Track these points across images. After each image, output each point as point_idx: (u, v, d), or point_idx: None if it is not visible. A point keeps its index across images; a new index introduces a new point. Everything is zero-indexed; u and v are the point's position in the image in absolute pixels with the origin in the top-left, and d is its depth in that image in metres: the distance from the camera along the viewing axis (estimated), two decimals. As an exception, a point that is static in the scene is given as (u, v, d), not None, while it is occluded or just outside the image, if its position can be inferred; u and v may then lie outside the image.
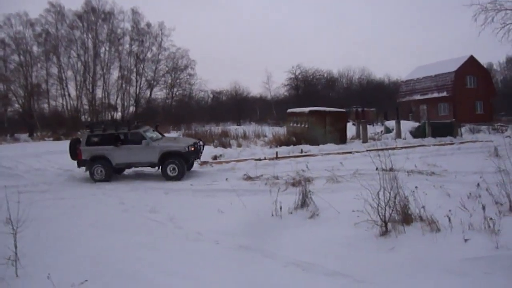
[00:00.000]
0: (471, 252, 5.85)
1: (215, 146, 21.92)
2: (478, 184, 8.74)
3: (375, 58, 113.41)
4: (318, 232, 7.32)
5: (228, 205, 9.28)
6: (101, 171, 13.56)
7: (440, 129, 25.56)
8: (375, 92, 61.18)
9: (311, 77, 67.80)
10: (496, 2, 19.90)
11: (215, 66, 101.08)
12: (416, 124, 27.50)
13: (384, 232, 6.87)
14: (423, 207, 7.12)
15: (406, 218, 7.08)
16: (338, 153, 18.82)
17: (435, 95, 44.60)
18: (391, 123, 28.46)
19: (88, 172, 13.93)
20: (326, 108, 25.07)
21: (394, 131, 26.44)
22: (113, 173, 14.12)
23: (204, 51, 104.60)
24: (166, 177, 13.32)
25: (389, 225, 6.93)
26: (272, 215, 8.12)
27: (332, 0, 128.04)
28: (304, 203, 8.40)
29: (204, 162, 16.67)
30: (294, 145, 20.88)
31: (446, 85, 43.82)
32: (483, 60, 54.04)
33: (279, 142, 21.84)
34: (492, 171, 8.81)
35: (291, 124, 24.70)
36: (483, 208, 6.87)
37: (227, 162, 16.90)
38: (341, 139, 23.24)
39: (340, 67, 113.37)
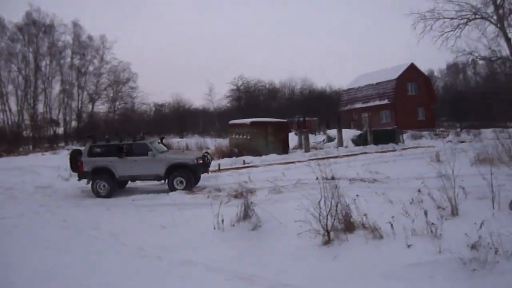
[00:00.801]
0: (414, 257, 6.99)
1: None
2: (419, 190, 10.33)
3: (317, 68, 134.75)
4: (261, 243, 8.41)
5: (171, 220, 10.68)
6: (104, 185, 14.91)
7: (382, 136, 30.21)
8: (317, 101, 70.71)
9: (253, 88, 79.63)
10: (435, 11, 23.86)
11: (157, 79, 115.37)
12: (358, 132, 31.96)
13: (327, 241, 7.97)
14: (365, 214, 8.32)
15: (349, 226, 8.26)
16: (281, 163, 21.40)
17: (377, 102, 52.37)
18: (333, 132, 33.07)
19: (89, 185, 15.25)
20: (267, 118, 29.48)
21: (336, 139, 30.73)
22: (117, 186, 15.46)
23: (146, 64, 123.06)
24: (172, 190, 14.60)
25: (332, 234, 8.05)
26: (215, 228, 9.41)
27: (273, 10, 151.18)
28: (246, 215, 9.64)
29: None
30: (237, 156, 24.21)
31: (387, 92, 51.63)
32: (424, 67, 64.20)
33: (221, 154, 25.28)
34: (433, 176, 10.41)
35: (233, 136, 28.23)
36: (425, 213, 8.18)
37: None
38: (283, 149, 27.02)
39: (282, 78, 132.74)
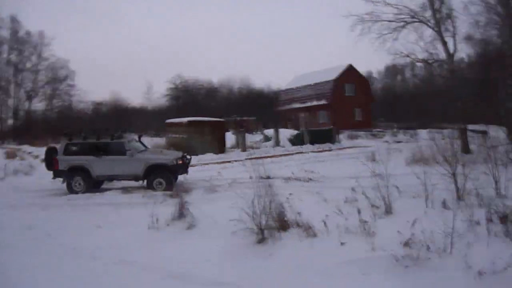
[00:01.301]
0: (348, 255, 7.86)
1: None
2: (353, 189, 11.54)
3: (256, 68, 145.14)
4: (195, 242, 9.21)
5: (106, 219, 11.61)
6: (79, 183, 15.69)
7: (319, 136, 33.13)
8: (255, 101, 75.97)
9: (191, 87, 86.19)
10: (373, 13, 25.81)
11: (97, 77, 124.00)
12: (295, 132, 34.21)
13: (261, 240, 8.85)
14: (299, 213, 9.27)
15: (283, 224, 9.17)
16: (217, 163, 23.25)
17: (315, 103, 56.90)
18: (270, 132, 36.35)
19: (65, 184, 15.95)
20: (204, 118, 31.78)
21: (273, 139, 33.63)
22: (93, 186, 16.24)
23: (85, 62, 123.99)
24: (152, 190, 15.28)
25: (266, 232, 8.92)
26: (149, 228, 10.29)
27: (212, 10, 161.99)
28: (181, 214, 10.71)
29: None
30: None
31: (325, 93, 56.35)
32: (364, 69, 71.12)
33: None
34: (368, 176, 11.47)
35: (171, 135, 30.50)
36: (359, 211, 9.25)
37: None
38: (220, 148, 29.41)
39: (220, 77, 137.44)
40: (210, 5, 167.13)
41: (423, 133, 36.23)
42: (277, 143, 33.11)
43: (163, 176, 15.54)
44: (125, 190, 15.99)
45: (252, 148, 31.07)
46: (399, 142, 33.55)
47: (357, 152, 24.84)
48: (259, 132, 45.95)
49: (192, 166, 21.24)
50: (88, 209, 13.60)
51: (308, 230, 8.86)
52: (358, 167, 13.99)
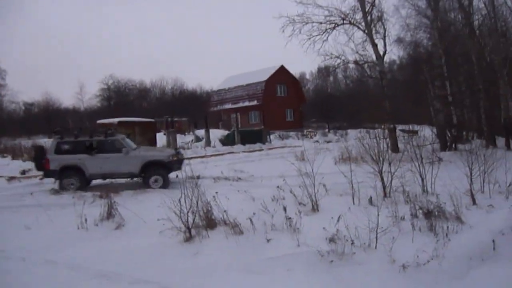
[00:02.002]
0: (274, 251, 8.09)
1: (24, 161, 26.49)
2: (278, 187, 11.85)
3: (189, 68, 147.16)
4: (124, 242, 9.32)
5: (35, 221, 11.43)
6: (72, 183, 15.45)
7: (250, 136, 33.94)
8: (188, 102, 78.73)
9: (123, 87, 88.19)
10: (304, 15, 26.38)
11: (28, 77, 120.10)
12: (226, 132, 34.73)
13: (189, 238, 9.08)
14: (225, 211, 9.53)
15: (210, 223, 9.46)
16: None
17: (246, 103, 58.05)
18: (201, 132, 36.89)
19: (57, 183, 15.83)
20: (135, 118, 32.11)
21: (204, 139, 34.30)
22: (86, 185, 16.02)
23: (17, 61, 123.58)
24: (149, 187, 15.29)
25: (193, 231, 9.18)
26: (79, 228, 10.43)
27: (144, 8, 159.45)
28: (110, 214, 10.96)
29: (13, 177, 20.09)
30: None
31: (256, 94, 57.49)
32: (297, 70, 75.59)
33: None
34: (296, 175, 11.79)
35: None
36: (284, 209, 9.60)
37: (36, 176, 20.12)
38: None
39: (153, 78, 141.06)
40: (143, 3, 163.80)
41: (353, 133, 37.42)
42: (208, 144, 33.74)
43: (160, 173, 15.58)
44: (56, 191, 15.77)
45: (184, 148, 31.38)
46: (329, 142, 34.74)
47: (287, 152, 25.51)
48: (191, 133, 46.57)
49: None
50: (17, 210, 13.54)
51: (235, 228, 9.10)
52: (287, 167, 14.36)
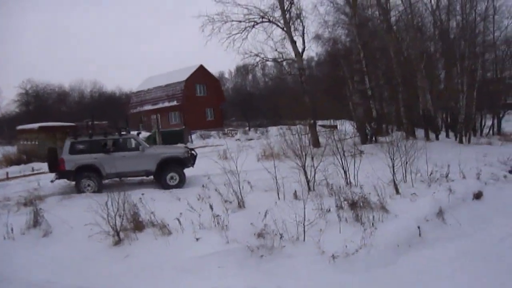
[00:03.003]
0: (204, 249, 8.23)
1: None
2: (204, 185, 12.25)
3: (107, 70, 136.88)
4: (52, 249, 9.04)
5: None
6: (89, 184, 14.98)
7: (171, 137, 33.43)
8: (107, 104, 76.58)
9: (42, 91, 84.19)
10: (223, 14, 26.53)
11: None
12: (147, 134, 34.06)
13: (118, 242, 9.00)
14: (152, 212, 9.58)
15: (138, 225, 9.47)
16: None
17: (166, 104, 57.53)
18: None
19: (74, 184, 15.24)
20: (56, 123, 31.46)
21: None
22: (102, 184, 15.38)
23: None
24: (165, 187, 15.06)
25: (122, 234, 9.11)
26: (5, 238, 9.82)
27: (60, 11, 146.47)
28: (36, 222, 10.46)
29: None
30: (25, 163, 26.05)
31: (176, 94, 57.13)
32: (216, 69, 75.02)
33: (9, 161, 27.04)
34: (220, 173, 12.10)
35: (22, 142, 30.06)
36: (211, 207, 9.78)
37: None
38: None
39: (72, 81, 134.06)
40: (58, 5, 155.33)
41: (274, 130, 38.01)
42: None
43: (176, 171, 15.48)
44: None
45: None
46: (250, 139, 35.17)
47: (209, 151, 25.31)
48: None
49: (45, 173, 20.58)
50: None
51: (163, 229, 9.19)
52: (211, 165, 14.45)
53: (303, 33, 26.71)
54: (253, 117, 57.34)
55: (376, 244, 8.49)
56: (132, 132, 17.47)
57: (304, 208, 8.98)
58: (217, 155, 19.68)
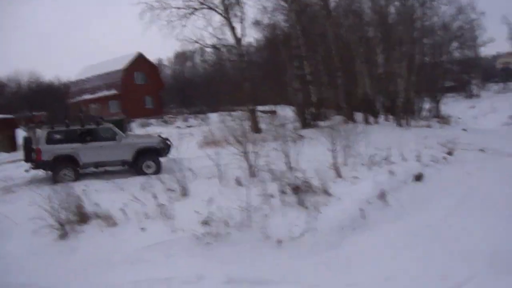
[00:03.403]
0: (150, 239, 8.27)
1: None
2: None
3: (45, 60, 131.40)
4: None
5: None
6: (67, 173, 14.93)
7: None
8: (46, 94, 72.82)
9: None
10: (162, 0, 26.12)
11: None
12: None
13: (63, 235, 8.82)
14: (97, 204, 9.52)
15: (83, 217, 9.33)
16: (9, 162, 21.87)
17: (105, 93, 56.81)
18: None
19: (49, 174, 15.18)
20: None
21: None
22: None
23: None
24: (141, 174, 14.87)
25: (67, 227, 8.93)
26: None
27: None
28: None
29: None
30: None
31: (115, 82, 56.54)
32: (154, 56, 73.99)
33: None
34: (162, 161, 11.92)
35: None
36: (155, 196, 9.71)
37: None
38: (11, 146, 28.34)
39: (8, 71, 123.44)
40: None
41: (214, 116, 37.94)
42: None
43: (152, 159, 15.52)
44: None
45: None
46: (190, 126, 34.93)
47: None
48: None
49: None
50: None
51: (108, 220, 9.13)
52: None
53: (242, 19, 26.67)
54: (192, 104, 57.22)
55: (321, 227, 8.74)
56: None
57: (248, 194, 9.10)
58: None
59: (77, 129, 15.44)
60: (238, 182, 11.41)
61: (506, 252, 8.13)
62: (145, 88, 58.57)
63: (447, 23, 34.65)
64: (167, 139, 16.63)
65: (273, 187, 10.55)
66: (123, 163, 15.67)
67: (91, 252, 8.12)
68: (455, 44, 38.56)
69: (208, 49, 31.72)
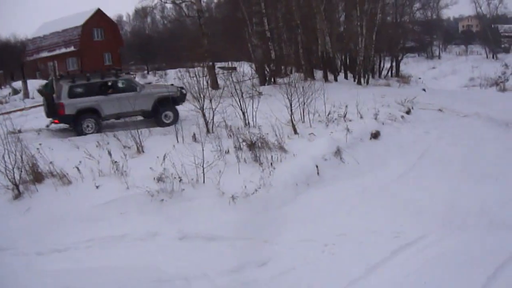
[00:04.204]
0: (104, 197, 8.23)
1: None
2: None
3: (0, 17, 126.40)
4: None
5: None
6: (90, 125, 15.06)
7: None
8: (1, 52, 70.34)
9: None
10: None
11: None
12: (44, 82, 32.90)
13: (18, 195, 8.69)
14: (51, 162, 9.29)
15: (37, 177, 9.19)
16: None
17: (63, 50, 55.65)
18: (18, 84, 35.88)
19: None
20: None
21: (22, 91, 33.05)
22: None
23: None
24: (160, 125, 15.28)
25: (22, 187, 8.78)
26: None
27: None
28: None
29: None
30: None
31: (73, 39, 55.43)
32: (114, 13, 68.05)
33: None
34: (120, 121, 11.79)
35: None
36: (109, 153, 9.66)
37: None
38: None
39: None
40: None
41: (172, 73, 37.56)
42: (26, 95, 32.03)
43: (170, 109, 15.81)
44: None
45: (1, 103, 29.51)
46: (149, 83, 34.56)
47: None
48: (7, 86, 43.83)
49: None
50: None
51: (63, 179, 9.03)
52: None
53: (204, -26, 26.17)
54: (152, 60, 56.82)
55: (275, 183, 8.85)
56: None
57: (203, 150, 9.09)
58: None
59: (98, 82, 15.58)
60: (194, 139, 11.36)
61: (459, 209, 8.44)
62: (104, 45, 57.69)
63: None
64: (182, 87, 16.62)
65: (228, 143, 10.62)
66: (143, 113, 15.95)
67: (46, 211, 8.03)
68: (417, 5, 38.86)
69: (168, 5, 31.20)
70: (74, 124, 14.99)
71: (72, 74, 16.74)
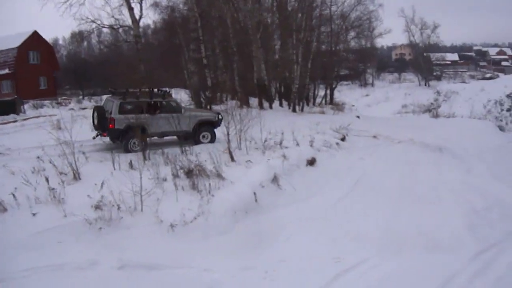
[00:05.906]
0: (41, 224, 8.04)
1: None
2: (38, 157, 11.52)
3: None
4: None
5: None
6: (136, 142, 15.24)
7: (2, 107, 31.42)
8: None
9: None
10: None
11: None
12: None
13: None
14: None
15: None
16: None
17: None
18: None
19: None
20: None
21: None
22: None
23: None
24: (198, 143, 16.04)
25: None
26: None
27: None
28: None
29: None
30: None
31: (8, 61, 53.66)
32: (50, 36, 71.00)
33: None
34: (54, 144, 11.59)
35: None
36: (47, 180, 9.44)
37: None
38: None
39: None
40: None
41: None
42: None
43: (208, 130, 16.85)
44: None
45: None
46: (84, 108, 34.00)
47: (42, 121, 24.03)
48: None
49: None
50: None
51: None
52: (44, 136, 13.84)
53: (141, 0, 26.25)
54: (87, 85, 55.85)
55: (214, 211, 8.95)
56: None
57: (141, 178, 9.10)
58: (50, 126, 18.82)
59: (146, 101, 16.08)
60: (131, 166, 11.34)
61: (396, 234, 8.84)
62: (40, 68, 56.22)
63: (345, 12, 36.07)
64: (219, 113, 17.34)
65: (166, 171, 10.69)
66: (185, 133, 16.36)
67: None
68: (352, 34, 40.19)
69: (105, 30, 30.96)
70: (121, 139, 15.36)
71: (121, 91, 17.06)
